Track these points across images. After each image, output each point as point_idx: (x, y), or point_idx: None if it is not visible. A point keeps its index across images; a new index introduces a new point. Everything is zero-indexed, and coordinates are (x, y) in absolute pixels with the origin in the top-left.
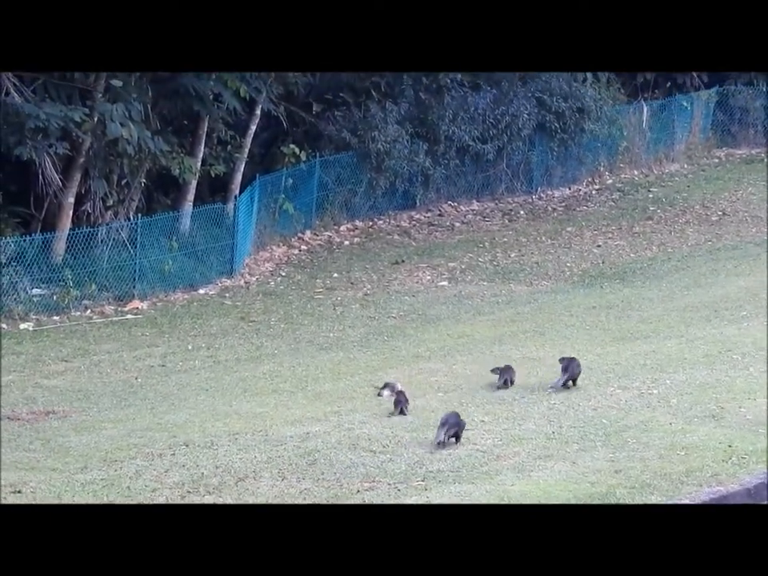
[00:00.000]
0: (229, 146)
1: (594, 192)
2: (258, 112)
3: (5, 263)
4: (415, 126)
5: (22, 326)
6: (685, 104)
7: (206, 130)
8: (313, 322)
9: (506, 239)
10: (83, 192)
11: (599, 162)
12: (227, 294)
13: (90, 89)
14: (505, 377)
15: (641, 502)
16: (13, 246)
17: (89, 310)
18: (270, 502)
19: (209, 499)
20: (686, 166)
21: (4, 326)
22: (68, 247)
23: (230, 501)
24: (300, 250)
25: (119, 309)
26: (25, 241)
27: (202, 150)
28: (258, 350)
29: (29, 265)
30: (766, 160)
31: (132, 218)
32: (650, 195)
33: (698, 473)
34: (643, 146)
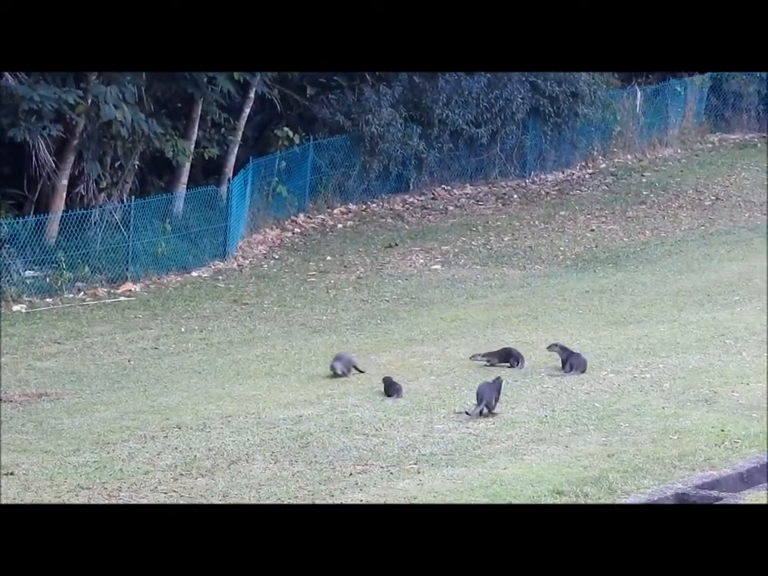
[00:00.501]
0: (222, 129)
1: (587, 176)
2: (252, 95)
3: None
4: (409, 109)
5: (15, 308)
6: (678, 89)
7: (199, 112)
8: (306, 305)
9: (499, 223)
10: (77, 174)
11: (593, 147)
12: (220, 277)
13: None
14: (494, 359)
15: (634, 486)
16: (6, 227)
17: (82, 292)
18: (263, 484)
19: (201, 482)
20: (679, 150)
21: None
22: (61, 229)
23: (222, 484)
24: (293, 233)
25: (112, 291)
26: (18, 223)
27: (195, 133)
28: (251, 333)
29: (22, 247)
30: (759, 145)
31: (125, 200)
32: (644, 180)
33: (691, 457)
34: (637, 131)
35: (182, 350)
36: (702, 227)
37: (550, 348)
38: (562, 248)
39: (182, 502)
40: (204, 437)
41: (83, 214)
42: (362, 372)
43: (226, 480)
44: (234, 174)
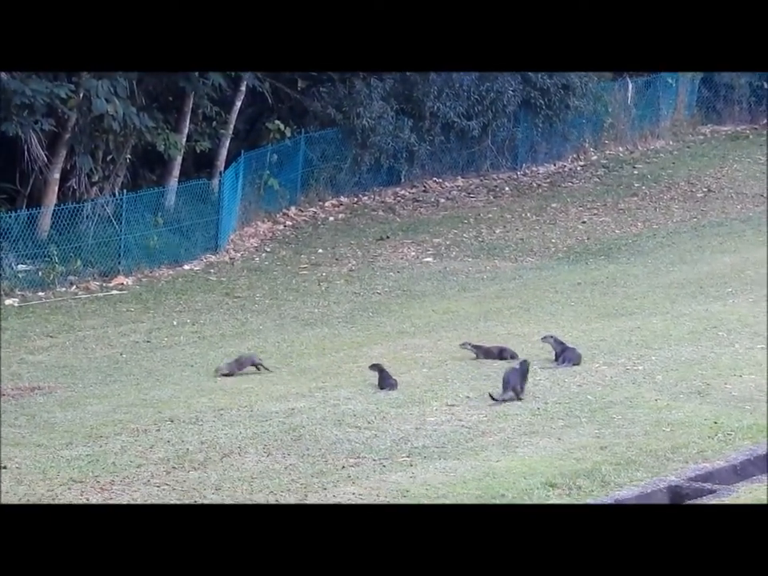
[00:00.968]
0: (214, 122)
1: (578, 168)
2: (243, 88)
3: None
4: (400, 102)
5: (7, 301)
6: (670, 81)
7: (191, 106)
8: (298, 298)
9: (490, 215)
10: (69, 168)
11: (584, 139)
12: (212, 270)
13: None
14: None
15: (627, 479)
16: None
17: (74, 286)
18: (255, 477)
19: (194, 475)
20: (671, 142)
21: None
22: (53, 223)
23: (214, 477)
24: (285, 226)
25: (104, 284)
26: (10, 217)
27: (187, 126)
28: (243, 326)
29: (14, 240)
30: (751, 137)
31: (117, 193)
32: (635, 172)
33: (684, 449)
34: (628, 123)
35: (174, 344)
36: (694, 219)
37: (544, 339)
38: (553, 240)
39: (174, 494)
40: (196, 430)
41: (75, 207)
42: (271, 371)
43: (219, 473)
44: (226, 168)
